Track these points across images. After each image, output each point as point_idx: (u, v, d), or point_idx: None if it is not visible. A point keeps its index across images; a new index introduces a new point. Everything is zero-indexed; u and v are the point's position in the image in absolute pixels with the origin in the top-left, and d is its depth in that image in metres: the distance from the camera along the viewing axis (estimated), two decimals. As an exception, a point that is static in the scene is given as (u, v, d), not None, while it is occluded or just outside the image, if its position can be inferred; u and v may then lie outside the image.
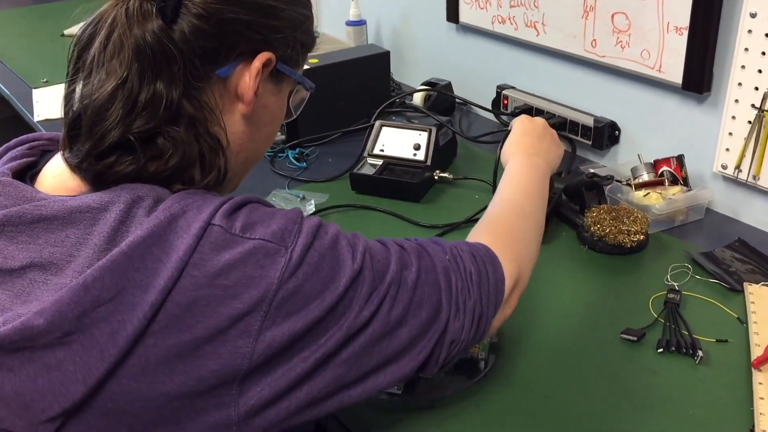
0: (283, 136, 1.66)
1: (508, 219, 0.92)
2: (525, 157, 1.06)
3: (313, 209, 1.38)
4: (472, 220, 1.32)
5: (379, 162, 1.46)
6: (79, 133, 0.66)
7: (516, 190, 0.98)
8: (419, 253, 0.74)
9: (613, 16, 1.41)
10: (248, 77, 0.71)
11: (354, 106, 1.69)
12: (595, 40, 1.46)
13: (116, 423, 0.59)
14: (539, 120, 1.18)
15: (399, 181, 1.41)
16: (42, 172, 0.71)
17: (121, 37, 0.65)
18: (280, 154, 1.61)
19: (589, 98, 1.55)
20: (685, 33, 1.28)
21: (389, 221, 1.35)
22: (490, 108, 1.75)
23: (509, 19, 1.64)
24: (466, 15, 1.77)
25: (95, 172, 0.66)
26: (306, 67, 1.59)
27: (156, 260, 0.60)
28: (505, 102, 1.70)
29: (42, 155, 0.75)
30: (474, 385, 0.95)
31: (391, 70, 2.04)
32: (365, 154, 1.48)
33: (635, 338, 1.02)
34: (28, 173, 0.71)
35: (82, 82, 0.66)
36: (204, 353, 0.59)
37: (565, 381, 0.96)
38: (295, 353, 0.63)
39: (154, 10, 0.65)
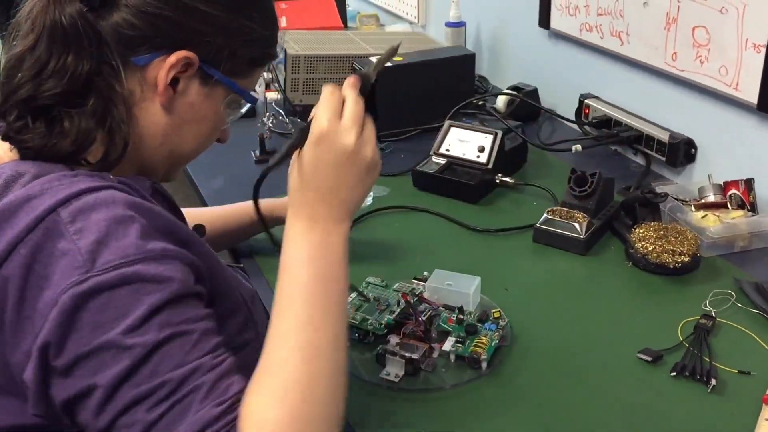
0: (362, 130, 1.72)
1: (294, 373, 0.66)
2: (309, 223, 0.73)
3: (371, 201, 1.44)
4: (522, 228, 1.33)
5: (443, 161, 1.49)
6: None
7: (302, 303, 0.70)
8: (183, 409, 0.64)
9: (693, 30, 1.36)
10: (163, 70, 0.75)
11: (436, 105, 1.72)
12: (675, 53, 1.41)
13: None
14: (349, 126, 0.74)
15: (458, 182, 1.44)
16: None
17: (40, 10, 0.72)
18: (356, 147, 1.67)
19: (666, 113, 1.50)
20: (763, 51, 1.22)
21: (441, 223, 1.38)
22: (573, 117, 1.73)
23: (596, 27, 1.62)
24: (556, 21, 1.75)
25: (5, 136, 0.73)
26: (389, 64, 1.65)
27: (2, 235, 0.66)
28: (587, 111, 1.68)
29: None
30: (472, 382, 0.97)
31: (485, 73, 2.07)
32: (431, 152, 1.52)
33: (650, 359, 1.00)
34: None
35: (9, 44, 0.75)
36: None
37: (565, 391, 0.96)
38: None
39: None
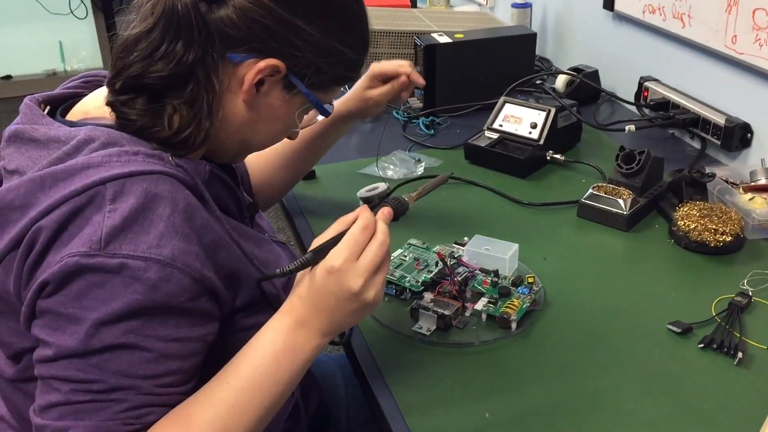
0: (420, 104, 1.77)
1: None
2: (296, 326, 0.78)
3: (422, 171, 1.48)
4: (567, 203, 1.35)
5: (495, 136, 1.52)
6: (115, 68, 0.79)
7: (244, 385, 0.76)
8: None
9: (754, 12, 1.35)
10: (252, 72, 0.80)
11: (495, 83, 1.73)
12: (735, 36, 1.40)
13: None
14: (361, 272, 0.77)
15: (508, 156, 1.47)
16: (83, 100, 0.85)
17: None
18: (413, 120, 1.72)
19: (724, 96, 1.49)
20: (823, 34, 1.21)
21: (488, 195, 1.41)
22: (632, 100, 1.72)
23: (659, 9, 1.61)
24: (620, 3, 1.75)
25: (110, 103, 0.79)
26: (449, 40, 1.69)
27: (55, 192, 0.72)
28: (645, 94, 1.67)
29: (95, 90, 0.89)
30: (500, 341, 1.01)
31: (549, 55, 2.08)
32: (485, 127, 1.55)
33: (679, 330, 1.01)
34: (69, 102, 0.86)
35: (124, 19, 0.81)
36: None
37: (590, 355, 0.99)
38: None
39: None
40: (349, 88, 1.19)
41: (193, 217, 0.75)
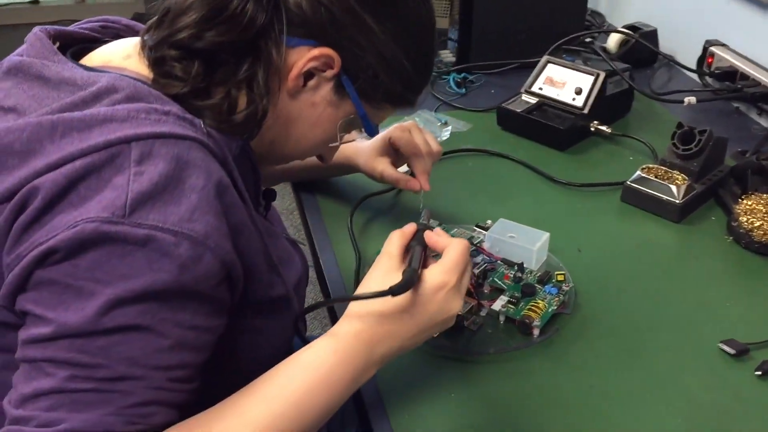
0: (453, 58, 1.59)
1: None
2: (363, 349, 0.70)
3: (448, 136, 1.32)
4: (610, 185, 1.18)
5: (534, 101, 1.34)
6: (164, 21, 0.70)
7: (284, 400, 0.66)
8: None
9: None
10: (304, 59, 0.72)
11: (537, 39, 1.55)
12: (826, -2, 1.19)
13: None
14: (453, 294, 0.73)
15: (545, 124, 1.29)
16: (104, 47, 0.74)
17: None
18: (444, 76, 1.55)
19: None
20: None
21: (520, 169, 1.24)
22: (693, 66, 1.52)
23: (735, -37, 1.40)
24: (689, -46, 1.54)
25: (154, 59, 0.69)
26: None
27: (68, 143, 0.61)
28: (710, 60, 1.47)
29: (114, 38, 0.78)
30: (519, 350, 0.86)
31: (603, 9, 1.89)
32: (522, 89, 1.37)
33: (734, 351, 0.85)
34: (81, 45, 0.75)
35: None
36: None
37: (624, 376, 0.83)
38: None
39: None
40: (399, 112, 1.01)
41: (224, 194, 0.65)
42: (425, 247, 0.77)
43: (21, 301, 0.62)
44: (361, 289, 0.73)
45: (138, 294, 0.60)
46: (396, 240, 0.76)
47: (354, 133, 0.84)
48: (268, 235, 0.75)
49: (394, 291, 0.68)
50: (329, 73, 0.74)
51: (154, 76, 0.69)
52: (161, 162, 0.61)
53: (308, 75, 0.74)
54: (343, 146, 0.85)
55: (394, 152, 1.06)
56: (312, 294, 2.29)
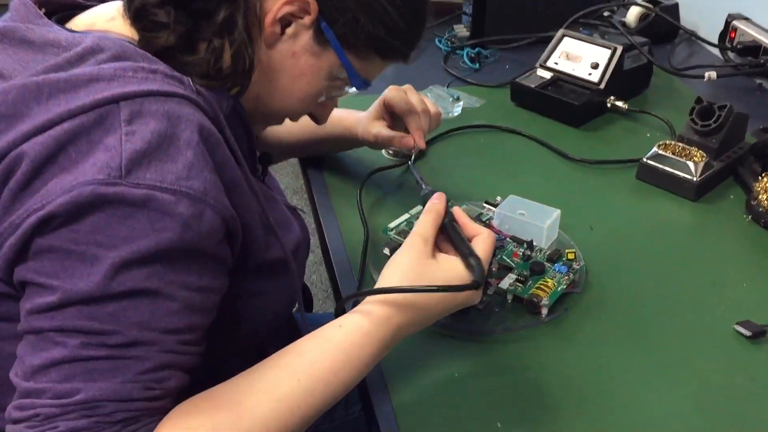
0: (467, 32, 1.55)
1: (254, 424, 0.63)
2: (391, 334, 0.70)
3: (459, 112, 1.29)
4: (625, 162, 1.14)
5: (548, 75, 1.31)
6: None
7: (311, 373, 0.66)
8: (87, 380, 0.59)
9: None
10: (279, 2, 0.70)
11: (554, 12, 1.51)
12: None
13: None
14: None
15: (560, 100, 1.26)
16: (88, 11, 0.73)
17: None
18: (457, 51, 1.51)
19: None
20: None
21: (533, 146, 1.21)
22: (715, 41, 1.48)
23: (760, -68, 1.35)
24: (713, -76, 1.48)
25: (135, 10, 0.67)
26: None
27: (55, 105, 0.59)
28: (732, 35, 1.43)
29: (99, 2, 0.76)
30: (527, 329, 0.84)
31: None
32: (537, 64, 1.33)
33: (750, 333, 0.83)
34: (67, 12, 0.73)
35: None
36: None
37: (634, 356, 0.81)
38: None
39: None
40: (392, 63, 0.97)
41: (216, 151, 0.64)
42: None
43: (21, 272, 0.60)
44: (388, 270, 0.71)
45: (144, 255, 0.59)
46: (432, 222, 0.74)
47: (346, 90, 0.80)
48: (265, 199, 0.73)
49: (477, 283, 0.69)
50: (307, 19, 0.71)
51: (139, 33, 0.67)
52: (152, 120, 0.60)
53: (286, 23, 0.72)
54: (343, 117, 0.83)
55: (391, 117, 1.04)
56: (318, 272, 2.28)
